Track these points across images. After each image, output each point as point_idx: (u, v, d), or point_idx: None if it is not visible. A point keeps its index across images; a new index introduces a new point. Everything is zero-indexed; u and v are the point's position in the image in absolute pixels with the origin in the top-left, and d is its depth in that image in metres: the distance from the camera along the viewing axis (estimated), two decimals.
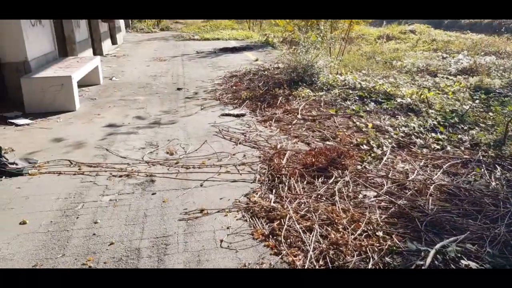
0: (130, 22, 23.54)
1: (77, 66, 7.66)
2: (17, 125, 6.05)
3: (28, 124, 6.10)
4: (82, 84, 8.16)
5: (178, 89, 8.61)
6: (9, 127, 6.01)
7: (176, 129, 5.93)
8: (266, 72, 9.80)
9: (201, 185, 4.08)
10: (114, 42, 15.50)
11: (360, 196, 3.78)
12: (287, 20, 18.48)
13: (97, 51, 12.82)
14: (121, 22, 18.99)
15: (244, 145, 5.20)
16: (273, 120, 6.10)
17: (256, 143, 5.23)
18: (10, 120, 6.15)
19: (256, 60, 12.27)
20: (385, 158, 4.58)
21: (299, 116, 6.23)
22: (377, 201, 3.70)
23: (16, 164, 4.50)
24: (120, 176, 4.31)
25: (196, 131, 5.80)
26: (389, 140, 5.10)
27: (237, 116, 6.47)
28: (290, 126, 5.81)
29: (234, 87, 8.45)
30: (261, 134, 5.58)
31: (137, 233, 3.25)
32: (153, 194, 3.91)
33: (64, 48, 10.11)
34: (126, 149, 5.12)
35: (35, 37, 7.65)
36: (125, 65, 11.80)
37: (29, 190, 3.99)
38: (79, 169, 4.47)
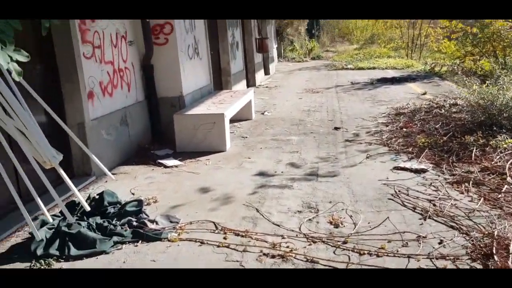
0: (282, 51, 23.66)
1: (230, 102, 7.14)
2: (166, 166, 5.62)
3: (176, 166, 5.63)
4: (233, 119, 7.63)
5: (336, 128, 7.51)
6: (157, 168, 5.61)
7: (339, 185, 4.78)
8: (441, 110, 8.09)
9: None
10: (266, 72, 15.30)
11: None
12: (455, 47, 16.21)
13: (250, 82, 12.60)
14: (274, 52, 18.99)
15: (435, 220, 3.78)
16: (470, 182, 4.52)
17: (453, 219, 3.76)
18: (159, 161, 5.76)
19: (424, 93, 10.56)
20: None
21: (509, 178, 4.53)
22: None
23: (157, 223, 3.86)
24: (273, 257, 3.30)
25: (364, 190, 4.56)
26: None
27: (416, 171, 5.03)
28: (499, 195, 4.18)
29: (404, 129, 6.99)
30: (457, 203, 4.08)
31: None
32: None
33: (219, 80, 9.93)
34: (279, 211, 4.15)
35: (191, 70, 7.40)
36: (277, 97, 11.23)
37: (165, 266, 3.23)
38: (224, 239, 3.61)
